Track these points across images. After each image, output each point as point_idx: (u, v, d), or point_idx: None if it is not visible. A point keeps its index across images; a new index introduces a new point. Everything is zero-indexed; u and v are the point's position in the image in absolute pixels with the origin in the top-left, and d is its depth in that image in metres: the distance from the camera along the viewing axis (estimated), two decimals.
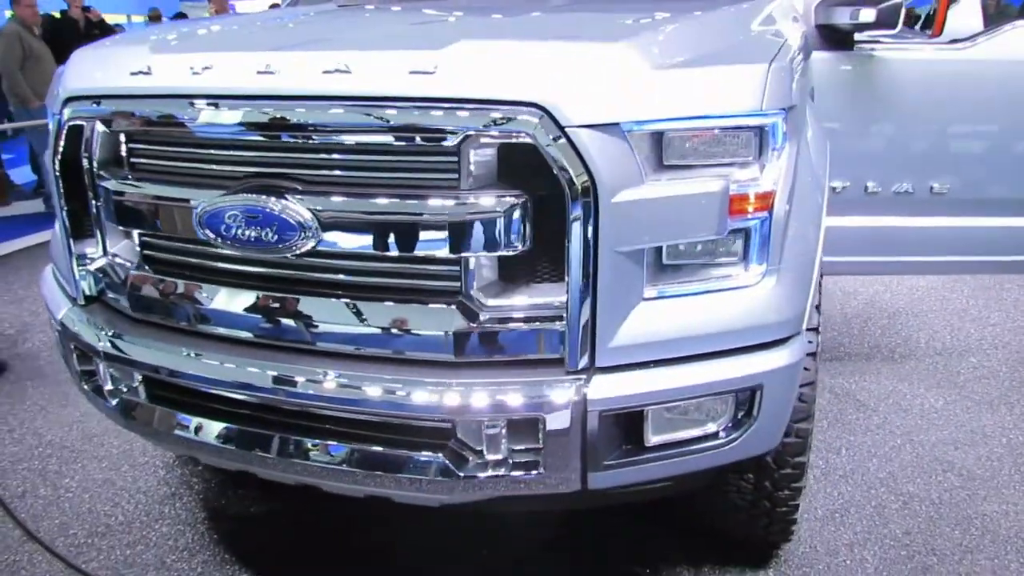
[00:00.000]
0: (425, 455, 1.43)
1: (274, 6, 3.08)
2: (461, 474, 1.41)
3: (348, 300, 1.44)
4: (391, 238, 1.38)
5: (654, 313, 1.41)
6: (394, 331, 1.43)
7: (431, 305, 1.41)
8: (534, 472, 1.40)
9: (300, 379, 1.43)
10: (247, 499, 2.30)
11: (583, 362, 1.38)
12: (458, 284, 1.40)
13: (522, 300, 1.40)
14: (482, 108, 1.29)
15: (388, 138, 1.36)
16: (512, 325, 1.39)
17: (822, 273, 3.24)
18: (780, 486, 1.76)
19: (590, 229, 1.31)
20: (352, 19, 2.00)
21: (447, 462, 1.41)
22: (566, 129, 1.27)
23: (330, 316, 1.45)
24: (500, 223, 1.33)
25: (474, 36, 1.42)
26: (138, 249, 1.66)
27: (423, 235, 1.36)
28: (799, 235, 1.51)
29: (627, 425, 1.42)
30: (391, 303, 1.43)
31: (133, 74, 1.52)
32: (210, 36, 1.75)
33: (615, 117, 1.30)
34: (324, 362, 1.45)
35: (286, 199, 1.39)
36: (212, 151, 1.50)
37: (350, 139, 1.38)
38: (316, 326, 1.46)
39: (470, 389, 1.37)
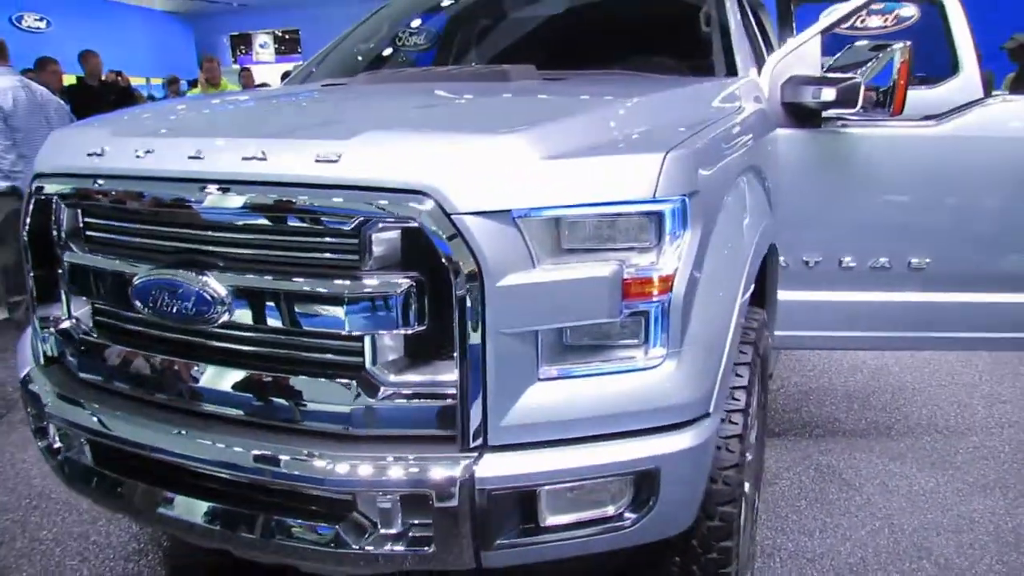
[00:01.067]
0: (325, 526, 1.47)
1: (286, 74, 3.27)
2: (356, 547, 1.44)
3: (258, 372, 1.51)
4: (296, 315, 1.45)
5: (550, 393, 1.43)
6: (300, 403, 1.48)
7: (335, 379, 1.47)
8: (427, 548, 1.42)
9: (207, 446, 1.49)
10: (216, 558, 2.35)
11: (476, 440, 1.41)
12: (361, 360, 1.46)
13: (421, 377, 1.45)
14: (377, 194, 1.36)
15: (297, 220, 1.44)
16: (410, 401, 1.44)
17: (810, 347, 3.21)
18: (707, 571, 1.73)
19: (477, 311, 1.35)
20: (301, 104, 2.13)
21: (344, 534, 1.44)
22: (452, 216, 1.33)
23: (241, 387, 1.52)
24: (396, 303, 1.38)
25: (383, 126, 1.51)
26: (90, 315, 1.77)
27: (325, 312, 1.43)
28: (706, 318, 1.52)
29: (520, 505, 1.43)
30: (299, 376, 1.49)
31: (89, 155, 1.66)
32: (160, 121, 1.89)
33: (504, 205, 1.36)
34: (233, 430, 1.51)
35: (205, 275, 1.48)
36: (149, 227, 1.61)
37: (264, 220, 1.47)
38: (229, 396, 1.53)
39: (362, 463, 1.41)
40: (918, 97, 3.81)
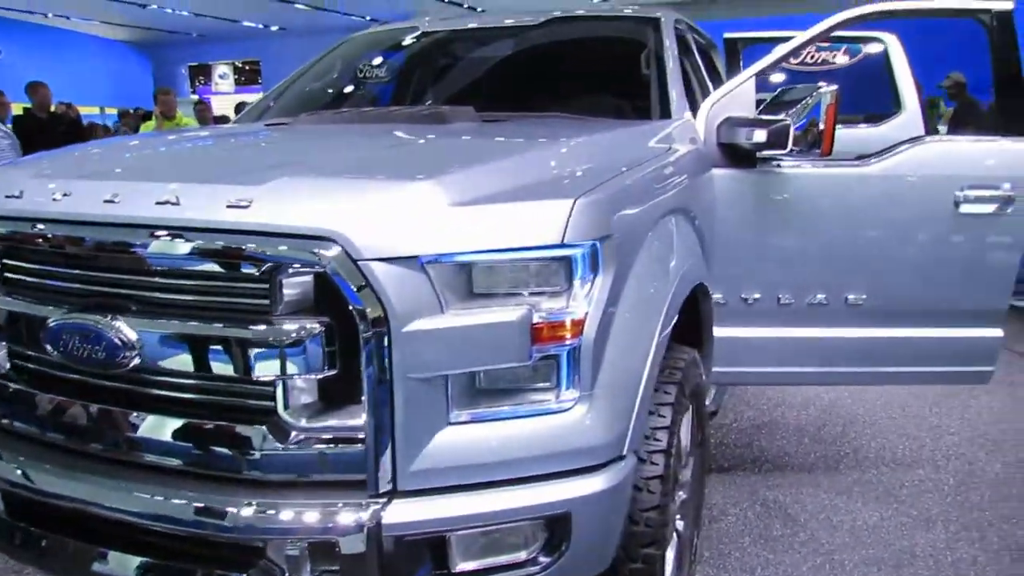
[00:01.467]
0: (235, 574, 1.45)
1: (240, 106, 3.28)
2: None
3: (170, 417, 1.50)
4: (207, 359, 1.45)
5: (460, 437, 1.43)
6: (212, 449, 1.48)
7: (247, 424, 1.46)
8: None
9: (115, 494, 1.47)
10: None
11: (384, 485, 1.40)
12: (273, 404, 1.45)
13: (330, 422, 1.44)
14: (285, 240, 1.37)
15: (209, 265, 1.45)
16: (320, 447, 1.43)
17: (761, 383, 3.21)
18: None
19: (383, 357, 1.36)
20: (228, 146, 2.14)
21: None
22: (358, 262, 1.34)
23: (152, 432, 1.51)
24: (305, 348, 1.38)
25: (296, 172, 1.53)
26: (5, 357, 1.75)
27: (235, 358, 1.43)
28: (620, 360, 1.54)
29: (430, 551, 1.42)
30: (211, 422, 1.49)
31: (7, 197, 1.66)
32: (82, 163, 1.90)
33: (411, 251, 1.37)
34: (144, 476, 1.50)
35: (117, 319, 1.47)
36: (65, 271, 1.60)
37: (177, 265, 1.47)
38: (141, 442, 1.51)
39: (269, 510, 1.40)
40: (863, 135, 3.93)
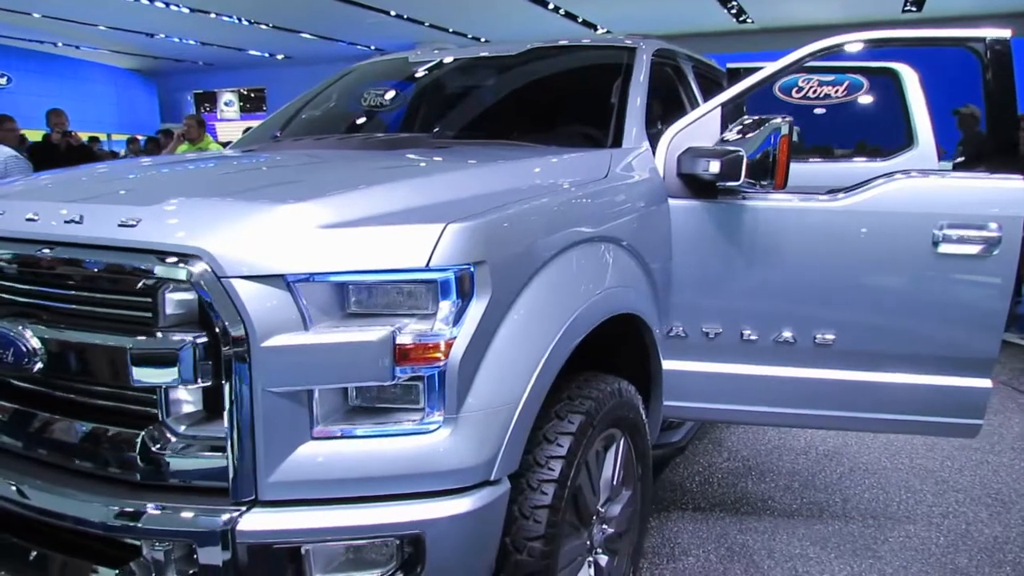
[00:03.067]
0: (106, 571, 1.52)
1: (247, 130, 3.46)
2: None
3: (66, 420, 1.60)
4: (101, 368, 1.55)
5: (323, 452, 1.47)
6: (105, 452, 1.56)
7: (133, 430, 1.54)
8: None
9: (10, 489, 1.58)
10: None
11: (246, 495, 1.45)
12: (155, 412, 1.53)
13: (203, 431, 1.51)
14: (162, 256, 1.46)
15: (103, 279, 1.55)
16: (193, 455, 1.50)
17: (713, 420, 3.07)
18: None
19: (244, 369, 1.41)
20: (167, 170, 2.25)
21: None
22: (222, 278, 1.41)
23: (51, 432, 1.62)
24: (180, 360, 1.45)
25: (186, 194, 1.62)
26: None
27: (123, 366, 1.50)
28: (493, 386, 1.55)
29: (285, 561, 1.46)
30: (104, 426, 1.58)
31: None
32: (28, 185, 2.05)
33: (277, 269, 1.43)
34: (41, 474, 1.60)
35: (27, 327, 1.59)
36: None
37: (78, 279, 1.58)
38: (40, 441, 1.62)
39: (136, 512, 1.47)
40: (869, 170, 3.78)
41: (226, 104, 21.27)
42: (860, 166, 3.75)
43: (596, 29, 14.89)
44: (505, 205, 1.67)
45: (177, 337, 1.46)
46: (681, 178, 2.45)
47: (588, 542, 1.99)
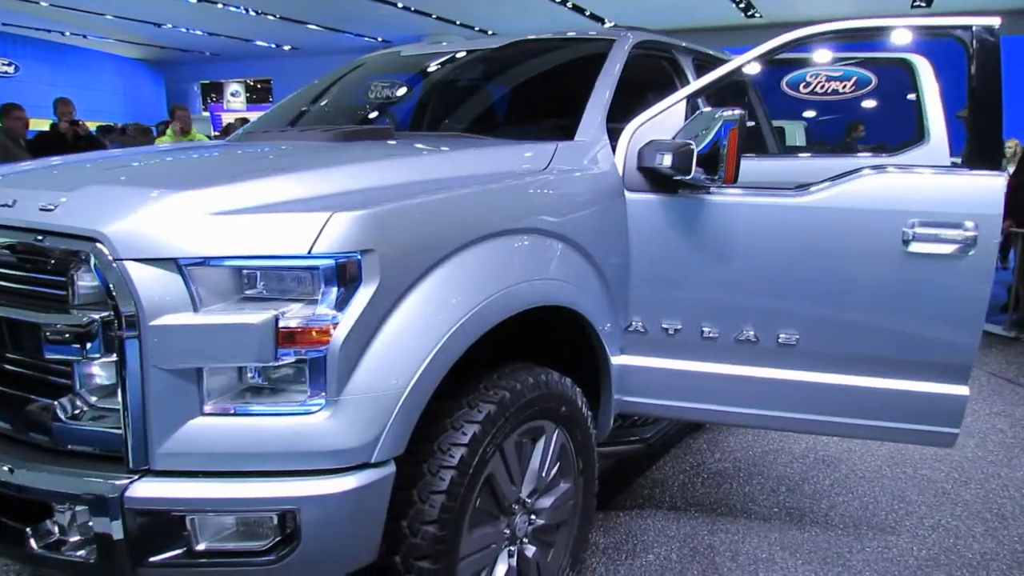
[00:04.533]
0: (16, 526, 1.64)
1: (244, 121, 3.60)
2: (41, 551, 1.60)
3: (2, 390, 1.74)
4: (25, 342, 1.68)
5: (212, 427, 1.55)
6: (28, 418, 1.69)
7: (52, 399, 1.66)
8: (91, 559, 1.57)
9: None
10: None
11: (139, 464, 1.54)
12: (71, 383, 1.65)
13: (109, 404, 1.61)
14: (69, 239, 1.57)
15: (26, 260, 1.68)
16: (97, 424, 1.60)
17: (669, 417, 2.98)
18: None
19: (136, 346, 1.51)
20: (113, 159, 2.36)
21: (34, 538, 1.62)
22: (117, 261, 1.50)
23: None
24: (86, 335, 1.56)
25: (103, 181, 1.73)
26: None
27: (44, 341, 1.62)
28: (377, 371, 1.58)
29: (172, 528, 1.54)
30: (30, 395, 1.70)
31: None
32: None
33: (169, 253, 1.51)
34: None
35: None
36: None
37: (10, 258, 1.71)
38: None
39: (43, 476, 1.58)
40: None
41: (232, 95, 21.23)
42: (859, 161, 3.58)
43: (604, 23, 14.60)
44: (409, 196, 1.71)
45: (80, 315, 1.56)
46: (642, 172, 2.42)
47: (508, 531, 2.01)
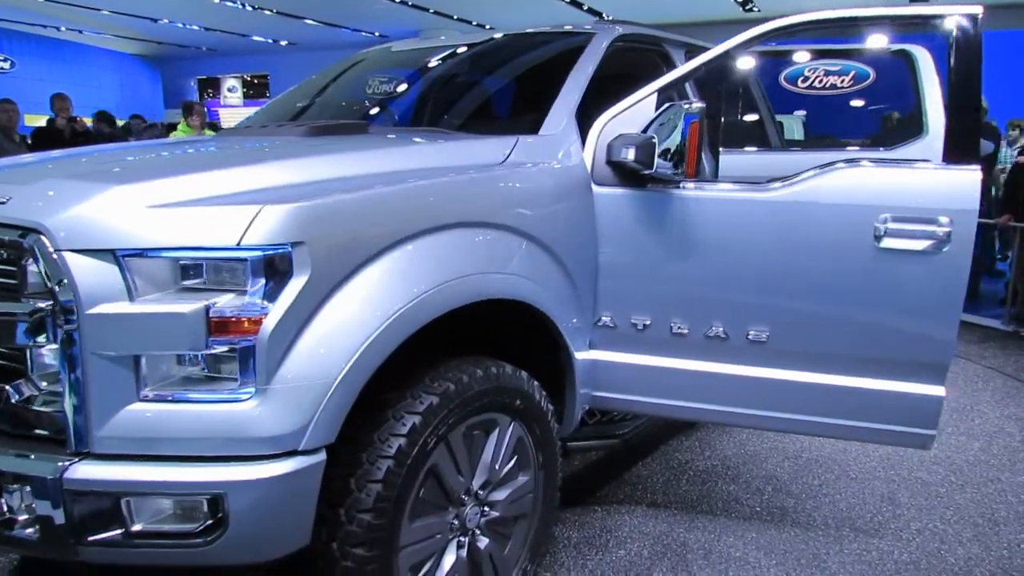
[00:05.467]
0: None
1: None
2: None
3: None
4: None
5: (148, 412, 1.60)
6: None
7: (12, 384, 1.73)
8: (36, 537, 1.63)
9: None
10: None
11: (79, 446, 1.61)
12: (24, 367, 1.72)
13: (55, 388, 1.68)
14: (15, 230, 1.63)
15: None
16: (45, 408, 1.67)
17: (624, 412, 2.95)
18: None
19: (74, 334, 1.57)
20: (85, 155, 2.43)
21: None
22: (56, 251, 1.56)
23: None
24: (35, 323, 1.63)
25: (52, 175, 1.80)
26: None
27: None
28: (307, 361, 1.61)
29: (108, 509, 1.60)
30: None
31: None
32: None
33: (107, 244, 1.57)
34: None
35: None
36: None
37: None
38: None
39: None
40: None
41: (229, 90, 21.05)
42: (855, 155, 3.51)
43: (602, 17, 14.38)
44: (349, 190, 1.74)
45: (29, 303, 1.63)
46: (611, 166, 2.41)
47: (457, 522, 2.03)
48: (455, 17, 15.39)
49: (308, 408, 1.62)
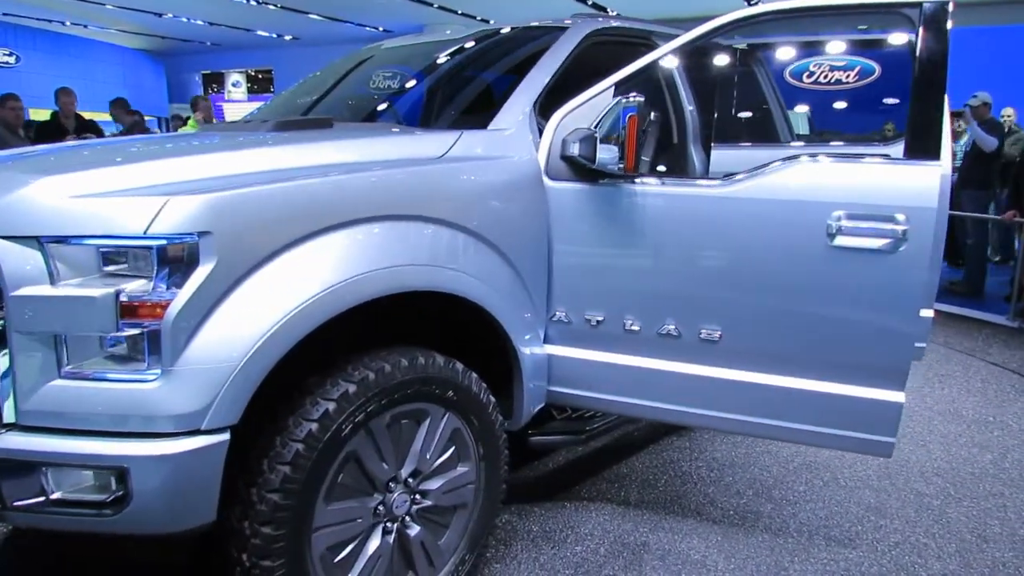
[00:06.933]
0: None
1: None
2: None
3: None
4: None
5: (66, 389, 1.71)
6: None
7: None
8: None
9: None
10: None
11: (8, 418, 1.74)
12: None
13: None
14: None
15: None
16: None
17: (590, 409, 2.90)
18: None
19: (2, 315, 1.70)
20: (59, 148, 2.57)
21: None
22: None
23: None
24: None
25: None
26: None
27: None
28: (211, 345, 1.69)
29: (30, 477, 1.72)
30: None
31: None
32: None
33: (32, 231, 1.69)
34: None
35: None
36: None
37: None
38: None
39: None
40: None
41: (234, 85, 20.96)
42: (851, 151, 3.35)
43: (606, 12, 13.91)
44: (267, 182, 1.81)
45: None
46: (565, 161, 2.41)
47: (383, 508, 2.08)
48: (459, 12, 15.21)
49: (210, 390, 1.70)
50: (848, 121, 3.55)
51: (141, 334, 1.68)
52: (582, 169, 2.37)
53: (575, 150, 2.30)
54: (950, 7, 2.17)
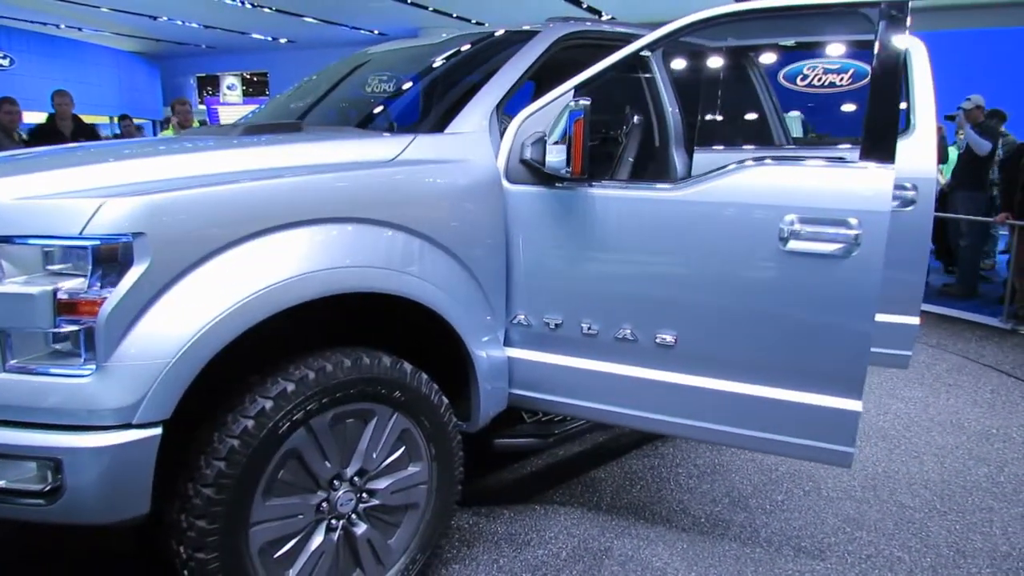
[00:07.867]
0: None
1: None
2: None
3: None
4: None
5: (10, 381, 1.78)
6: None
7: None
8: None
9: None
10: None
11: None
12: None
13: None
14: None
15: None
16: None
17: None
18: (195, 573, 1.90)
19: None
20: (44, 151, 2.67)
21: None
22: None
23: None
24: None
25: None
26: None
27: None
28: (143, 342, 1.74)
29: None
30: None
31: None
32: None
33: None
34: None
35: None
36: None
37: None
38: None
39: None
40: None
41: (229, 88, 20.96)
42: (836, 153, 3.28)
43: (600, 15, 13.63)
44: (208, 185, 1.86)
45: None
46: (523, 164, 2.42)
47: (326, 505, 2.11)
48: (454, 15, 15.16)
49: (142, 385, 1.75)
50: (843, 123, 3.49)
51: (78, 331, 1.75)
52: (538, 172, 2.38)
53: (528, 153, 2.31)
54: (908, 7, 2.12)
